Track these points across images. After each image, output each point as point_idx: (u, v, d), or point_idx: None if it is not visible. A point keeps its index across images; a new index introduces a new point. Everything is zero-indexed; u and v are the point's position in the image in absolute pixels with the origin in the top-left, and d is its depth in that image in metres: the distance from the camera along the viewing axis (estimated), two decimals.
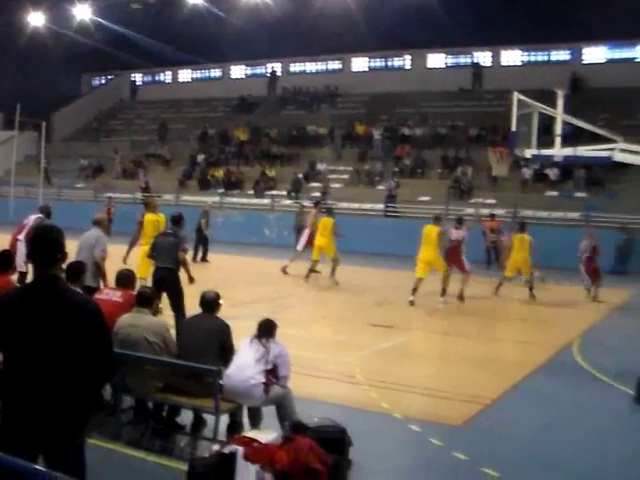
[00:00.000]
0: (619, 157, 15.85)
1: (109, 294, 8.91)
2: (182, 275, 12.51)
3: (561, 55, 41.19)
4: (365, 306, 17.74)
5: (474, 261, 17.83)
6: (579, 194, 31.24)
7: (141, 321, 7.99)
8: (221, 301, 8.43)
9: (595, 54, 40.16)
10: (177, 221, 13.02)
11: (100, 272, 11.37)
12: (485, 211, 28.93)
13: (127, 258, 14.67)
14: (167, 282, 12.13)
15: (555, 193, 31.84)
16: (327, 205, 27.69)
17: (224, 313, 8.55)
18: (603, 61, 39.87)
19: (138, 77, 54.58)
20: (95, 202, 36.05)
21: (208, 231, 25.93)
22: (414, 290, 17.57)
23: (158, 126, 46.47)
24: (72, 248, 6.23)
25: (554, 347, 13.61)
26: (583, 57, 40.40)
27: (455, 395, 10.17)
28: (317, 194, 34.96)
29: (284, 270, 22.20)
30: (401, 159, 37.18)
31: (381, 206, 32.70)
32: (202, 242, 25.63)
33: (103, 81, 56.01)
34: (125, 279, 9.09)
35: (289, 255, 22.77)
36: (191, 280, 12.46)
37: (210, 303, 8.27)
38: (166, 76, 53.61)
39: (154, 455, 7.43)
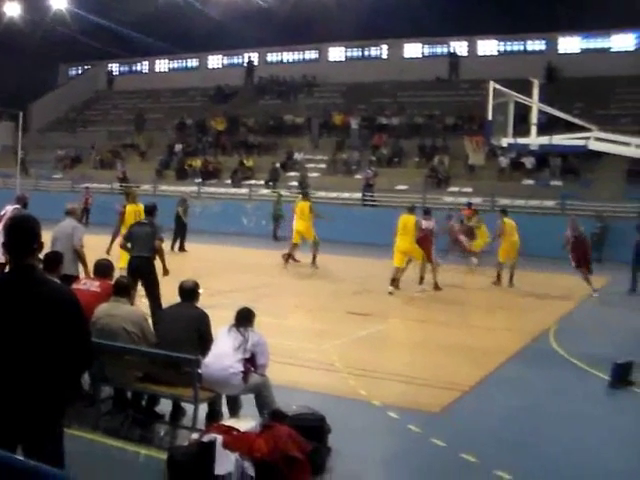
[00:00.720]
0: (594, 146, 15.96)
1: (87, 284, 8.89)
2: (157, 265, 12.49)
3: (536, 45, 41.40)
4: (343, 294, 17.78)
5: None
6: (555, 183, 31.47)
7: (119, 310, 7.98)
8: (200, 290, 8.44)
9: (570, 44, 40.40)
10: (151, 211, 12.98)
11: (81, 260, 11.36)
12: (462, 199, 29.03)
13: (110, 249, 14.62)
14: (143, 271, 12.10)
15: (531, 182, 32.04)
16: (302, 190, 27.74)
17: (203, 302, 8.55)
18: (578, 51, 40.14)
19: (115, 67, 54.29)
20: (73, 192, 35.93)
21: (187, 220, 25.92)
22: (392, 280, 17.65)
23: (135, 116, 46.28)
24: (48, 238, 6.21)
25: (531, 334, 13.72)
26: (558, 47, 40.62)
27: (433, 382, 10.23)
28: (295, 183, 35.03)
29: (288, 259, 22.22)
30: (378, 148, 37.26)
31: (359, 195, 32.79)
32: (180, 231, 25.61)
33: (80, 71, 55.61)
34: (103, 269, 9.06)
35: (267, 244, 22.75)
36: (165, 272, 12.42)
37: (189, 292, 8.27)
38: (143, 66, 53.37)
39: (133, 444, 7.41)
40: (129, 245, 12.57)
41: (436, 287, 18.19)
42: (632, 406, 9.62)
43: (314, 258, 21.04)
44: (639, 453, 8.16)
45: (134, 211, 15.33)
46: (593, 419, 9.12)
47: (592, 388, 10.35)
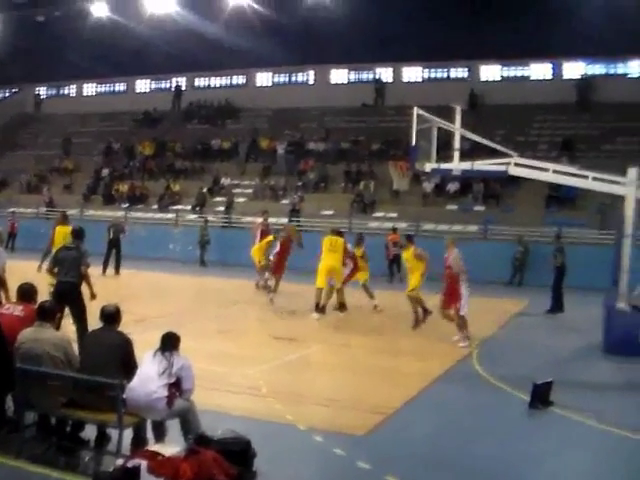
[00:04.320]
0: (514, 171, 16.44)
1: (10, 308, 8.77)
2: (84, 289, 12.40)
3: (459, 72, 42.12)
4: (269, 319, 17.85)
5: (376, 274, 18.03)
6: (478, 208, 32.05)
7: (43, 335, 7.90)
8: (122, 314, 8.40)
9: (491, 72, 41.27)
10: (78, 235, 12.89)
11: (2, 285, 11.21)
12: (388, 224, 29.37)
13: (41, 268, 14.57)
14: (69, 296, 12.01)
15: (455, 207, 32.55)
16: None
17: (129, 327, 8.54)
18: (498, 79, 41.02)
19: (42, 90, 53.38)
20: None
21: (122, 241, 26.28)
22: (316, 305, 17.73)
23: (62, 140, 45.67)
24: None
25: (455, 357, 13.98)
26: (480, 75, 41.44)
27: (358, 405, 10.36)
28: (221, 208, 35.03)
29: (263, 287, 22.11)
30: (305, 173, 37.45)
31: (285, 220, 32.88)
32: (116, 255, 25.95)
33: (7, 94, 54.54)
34: (26, 293, 8.95)
35: (194, 270, 22.67)
36: (93, 296, 12.33)
37: (110, 316, 8.22)
38: (71, 90, 52.59)
39: (58, 471, 7.35)
40: (56, 270, 12.47)
41: (341, 307, 18.46)
42: (550, 426, 9.87)
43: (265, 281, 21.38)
44: (556, 470, 8.41)
45: (63, 232, 15.27)
46: (512, 438, 9.37)
47: (513, 409, 10.60)
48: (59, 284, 12.29)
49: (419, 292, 16.69)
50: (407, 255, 17.00)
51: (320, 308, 17.85)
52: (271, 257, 20.85)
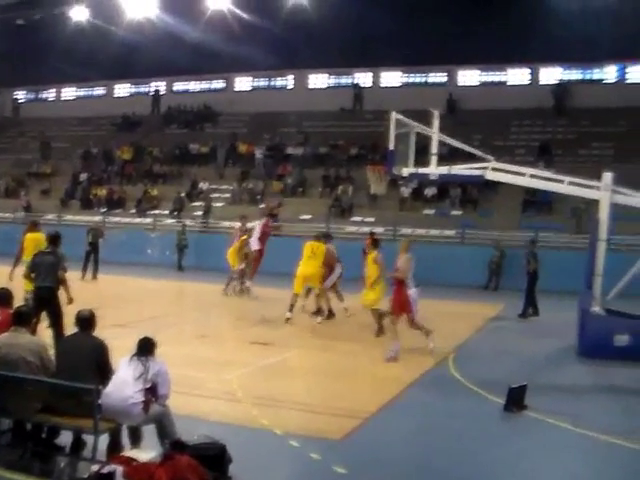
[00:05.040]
0: (491, 176, 16.55)
1: None
2: (62, 294, 12.40)
3: (438, 77, 42.33)
4: (245, 324, 17.87)
5: (354, 278, 18.05)
6: (455, 212, 32.27)
7: (19, 340, 7.88)
8: (96, 319, 8.39)
9: (469, 77, 41.51)
10: (54, 240, 12.88)
11: None
12: (365, 229, 29.45)
13: (12, 275, 14.49)
14: (46, 301, 12.02)
15: (432, 211, 32.75)
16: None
17: (106, 332, 8.52)
18: (476, 84, 41.26)
19: (21, 94, 53.08)
20: None
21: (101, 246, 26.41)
22: (291, 307, 17.79)
23: (41, 144, 45.46)
24: None
25: (431, 361, 14.02)
26: (458, 80, 41.66)
27: (334, 410, 10.39)
28: (199, 213, 35.01)
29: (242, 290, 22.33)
30: (283, 178, 37.49)
31: None
32: (94, 259, 26.19)
33: None
34: (2, 298, 8.94)
35: (172, 274, 22.66)
36: (70, 301, 12.32)
37: (85, 321, 8.20)
38: (49, 94, 52.34)
39: (34, 478, 7.34)
40: (33, 275, 12.46)
41: (319, 312, 18.56)
42: (525, 429, 9.96)
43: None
44: (531, 473, 8.51)
45: (33, 239, 15.24)
46: (487, 440, 9.47)
47: (488, 413, 10.66)
48: (38, 289, 12.29)
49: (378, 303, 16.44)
50: (368, 258, 16.72)
51: (318, 311, 18.04)
52: (253, 247, 21.03)
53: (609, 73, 38.84)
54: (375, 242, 17.24)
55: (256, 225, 22.00)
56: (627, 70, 38.29)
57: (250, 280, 21.85)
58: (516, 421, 10.26)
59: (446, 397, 11.53)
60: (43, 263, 12.43)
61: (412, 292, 14.56)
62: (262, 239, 21.89)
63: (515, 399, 10.60)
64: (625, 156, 31.89)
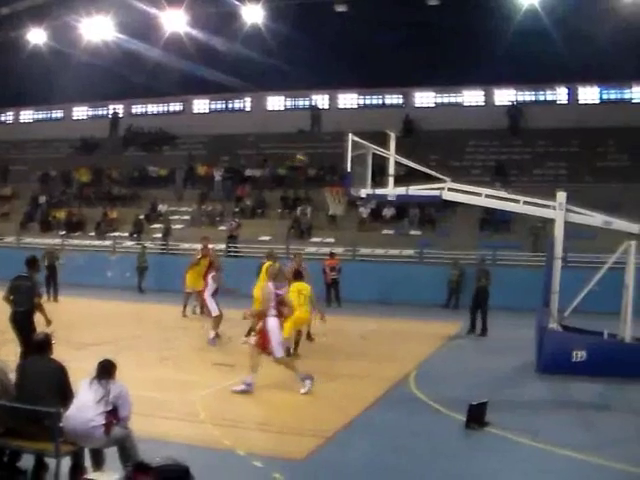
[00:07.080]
0: (447, 196, 16.75)
1: None
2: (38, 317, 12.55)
3: (394, 99, 42.76)
4: (207, 346, 17.78)
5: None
6: (413, 232, 32.54)
7: None
8: (53, 341, 8.38)
9: (425, 98, 41.99)
10: (31, 264, 12.95)
11: None
12: (325, 249, 29.59)
13: None
14: (20, 325, 12.18)
15: (391, 231, 32.97)
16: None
17: (66, 355, 8.51)
18: (432, 105, 41.74)
19: None
20: None
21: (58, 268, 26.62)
22: (250, 330, 17.48)
23: None
24: None
25: (392, 380, 14.13)
26: (414, 101, 42.11)
27: (297, 430, 10.43)
28: (159, 235, 34.90)
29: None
30: (242, 199, 37.57)
31: (223, 246, 32.83)
32: (53, 282, 26.48)
33: None
34: None
35: (132, 296, 22.55)
36: (48, 322, 12.54)
37: (40, 345, 8.23)
38: (7, 116, 51.91)
39: None
40: (12, 297, 12.61)
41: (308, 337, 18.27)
42: (486, 445, 10.08)
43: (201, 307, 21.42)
44: None
45: None
46: (449, 457, 9.54)
47: (449, 430, 10.75)
48: (15, 313, 12.58)
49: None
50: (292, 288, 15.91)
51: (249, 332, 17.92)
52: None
53: (561, 95, 39.54)
54: (298, 275, 16.87)
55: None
56: (578, 92, 39.01)
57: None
58: (477, 438, 10.36)
59: (408, 415, 11.61)
60: (20, 287, 12.64)
61: (271, 321, 12.99)
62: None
63: (476, 416, 10.71)
64: (578, 175, 32.50)
